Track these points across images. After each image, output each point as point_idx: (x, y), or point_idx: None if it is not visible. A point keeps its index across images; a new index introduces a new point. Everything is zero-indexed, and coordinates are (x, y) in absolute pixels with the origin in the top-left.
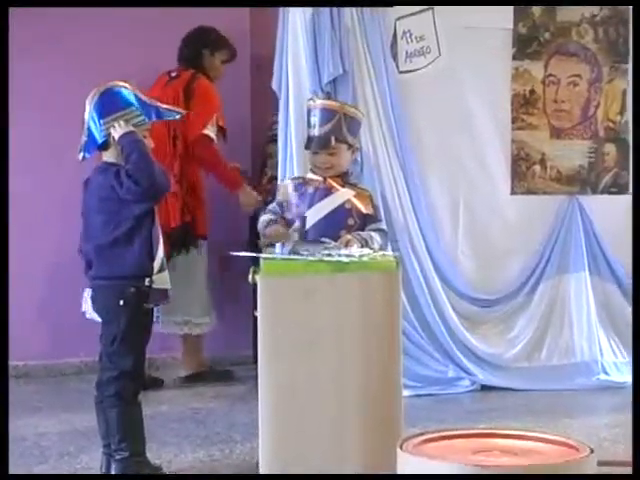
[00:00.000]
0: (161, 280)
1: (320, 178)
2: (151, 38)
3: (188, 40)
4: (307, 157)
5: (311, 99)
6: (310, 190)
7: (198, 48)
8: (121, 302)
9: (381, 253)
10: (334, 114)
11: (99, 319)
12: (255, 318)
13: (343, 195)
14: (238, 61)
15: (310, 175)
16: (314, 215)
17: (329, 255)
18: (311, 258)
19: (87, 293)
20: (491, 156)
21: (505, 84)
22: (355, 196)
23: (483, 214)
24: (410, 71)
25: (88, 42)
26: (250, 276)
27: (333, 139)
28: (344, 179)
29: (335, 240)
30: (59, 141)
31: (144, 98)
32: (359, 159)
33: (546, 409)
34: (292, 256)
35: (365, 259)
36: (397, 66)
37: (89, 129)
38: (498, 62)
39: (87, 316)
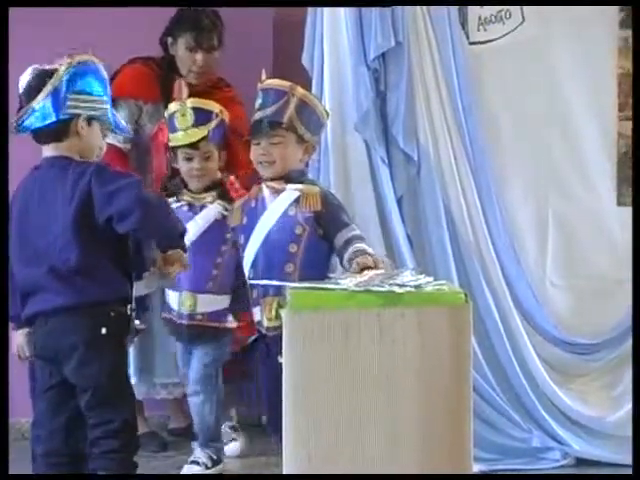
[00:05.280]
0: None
1: (258, 186)
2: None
3: None
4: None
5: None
6: (252, 204)
7: (163, 36)
8: (103, 330)
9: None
10: (282, 95)
11: None
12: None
13: (284, 199)
14: (257, 27)
15: (254, 187)
16: (255, 240)
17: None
18: (353, 287)
19: (23, 334)
20: (591, 155)
21: (609, 60)
22: (302, 196)
23: (580, 231)
24: (484, 42)
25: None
26: (273, 311)
27: (276, 123)
28: (288, 179)
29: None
30: None
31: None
32: (415, 158)
33: None
34: (328, 285)
35: (427, 289)
36: (467, 36)
37: (47, 98)
38: (600, 31)
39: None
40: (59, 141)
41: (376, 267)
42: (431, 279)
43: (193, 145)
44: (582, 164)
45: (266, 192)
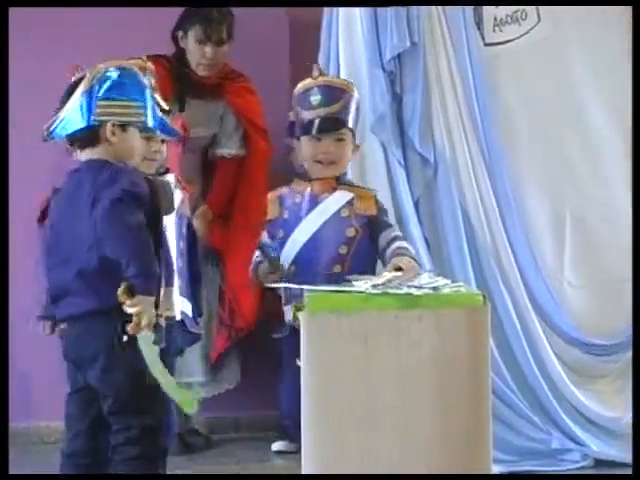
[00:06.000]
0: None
1: (306, 182)
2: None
3: None
4: (302, 150)
5: (311, 76)
6: (297, 200)
7: (174, 30)
8: (125, 337)
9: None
10: (343, 93)
11: None
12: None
13: (337, 200)
14: (272, 26)
15: (297, 181)
16: (299, 237)
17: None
18: (371, 290)
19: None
20: (608, 155)
21: (625, 59)
22: (355, 198)
23: (597, 232)
24: (500, 43)
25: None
26: (291, 314)
27: (341, 122)
28: (338, 180)
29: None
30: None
31: (156, 97)
32: (431, 160)
33: None
34: (346, 287)
35: (444, 291)
36: (482, 37)
37: (79, 107)
38: (616, 30)
39: None
40: (93, 146)
41: (408, 268)
42: (449, 281)
43: None
44: (599, 164)
45: (315, 189)
